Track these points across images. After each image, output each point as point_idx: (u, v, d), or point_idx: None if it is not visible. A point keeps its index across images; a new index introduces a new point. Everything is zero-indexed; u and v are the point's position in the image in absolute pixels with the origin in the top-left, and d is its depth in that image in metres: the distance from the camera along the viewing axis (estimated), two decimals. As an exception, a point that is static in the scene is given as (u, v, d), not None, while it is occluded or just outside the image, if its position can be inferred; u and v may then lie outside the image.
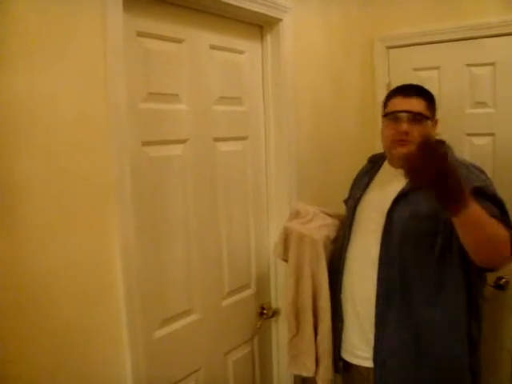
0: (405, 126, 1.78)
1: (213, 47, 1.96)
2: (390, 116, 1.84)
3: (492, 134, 2.63)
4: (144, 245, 1.68)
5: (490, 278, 2.59)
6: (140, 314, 1.60)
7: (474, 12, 2.59)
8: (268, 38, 2.20)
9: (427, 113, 1.81)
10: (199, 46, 1.90)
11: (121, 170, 1.50)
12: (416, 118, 1.79)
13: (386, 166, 1.98)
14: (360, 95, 2.88)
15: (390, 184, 1.86)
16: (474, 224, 1.42)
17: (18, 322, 1.27)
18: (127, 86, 1.53)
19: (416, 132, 1.79)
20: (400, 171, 1.77)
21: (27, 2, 1.26)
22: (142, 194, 1.67)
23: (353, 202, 1.98)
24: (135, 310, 1.56)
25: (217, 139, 2.00)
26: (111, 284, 1.50)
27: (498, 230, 1.49)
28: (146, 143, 1.70)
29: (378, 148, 2.88)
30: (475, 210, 1.38)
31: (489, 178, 1.80)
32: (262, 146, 2.26)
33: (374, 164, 2.06)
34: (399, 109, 1.81)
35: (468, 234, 1.47)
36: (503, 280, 2.60)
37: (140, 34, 1.67)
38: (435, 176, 1.31)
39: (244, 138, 2.16)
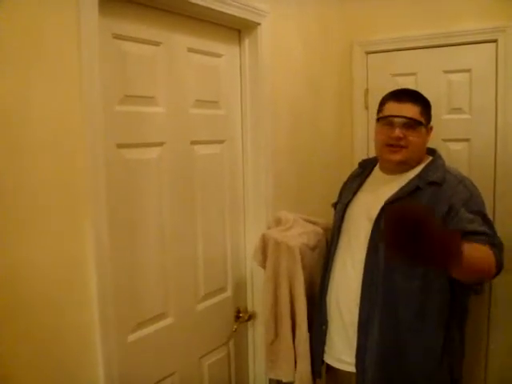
0: (398, 132, 1.77)
1: (190, 50, 1.95)
2: (383, 120, 1.84)
3: (467, 140, 2.67)
4: (118, 248, 1.66)
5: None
6: (113, 318, 1.58)
7: (451, 19, 2.62)
8: (246, 41, 2.20)
9: (421, 119, 1.81)
10: (177, 49, 1.89)
11: (95, 171, 1.48)
12: (409, 123, 1.78)
13: (376, 171, 1.98)
14: (338, 100, 2.89)
15: (379, 189, 1.86)
16: (466, 268, 1.30)
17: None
18: (103, 89, 1.51)
19: (410, 137, 1.79)
20: (390, 177, 1.79)
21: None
22: (116, 196, 1.66)
23: (341, 206, 1.98)
24: (108, 313, 1.55)
25: (194, 142, 1.99)
26: (84, 287, 1.48)
27: (485, 258, 1.57)
28: (121, 145, 1.69)
29: (356, 153, 2.93)
30: (465, 258, 1.21)
31: (476, 189, 1.82)
32: (239, 150, 2.26)
33: (365, 169, 2.05)
34: (393, 113, 1.80)
35: (460, 274, 1.47)
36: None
37: (116, 37, 1.66)
38: (413, 253, 1.07)
39: (221, 142, 2.15)
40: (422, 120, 1.81)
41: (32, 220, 1.33)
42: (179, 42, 1.90)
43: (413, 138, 1.80)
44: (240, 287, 2.30)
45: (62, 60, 1.38)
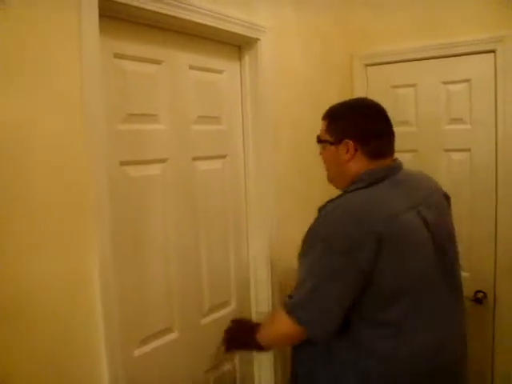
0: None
1: (192, 67, 1.98)
2: None
3: (468, 150, 2.68)
4: (123, 263, 1.68)
5: (469, 291, 2.63)
6: (119, 333, 1.59)
7: (449, 31, 2.64)
8: (246, 57, 2.23)
9: (325, 136, 1.65)
10: (178, 67, 1.92)
11: (99, 189, 1.50)
12: (318, 142, 1.69)
13: None
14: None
15: None
16: (268, 346, 1.82)
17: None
18: (105, 108, 1.54)
19: (321, 156, 1.70)
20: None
21: (1, 25, 1.27)
22: (120, 213, 1.68)
23: None
24: (114, 328, 1.56)
25: (196, 158, 2.01)
26: (89, 303, 1.49)
27: (275, 330, 1.63)
28: (124, 163, 1.71)
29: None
30: (262, 342, 1.73)
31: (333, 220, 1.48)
32: (240, 165, 2.28)
33: None
34: None
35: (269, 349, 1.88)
36: (481, 294, 2.63)
37: (117, 56, 1.69)
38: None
39: (223, 157, 2.17)
40: (327, 137, 1.63)
41: (37, 238, 1.35)
42: (180, 59, 1.93)
43: (322, 156, 1.69)
44: (244, 300, 2.31)
45: (64, 80, 1.41)
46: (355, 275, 1.39)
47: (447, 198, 1.77)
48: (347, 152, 1.58)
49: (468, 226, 2.68)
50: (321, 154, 1.71)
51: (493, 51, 2.56)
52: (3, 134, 1.27)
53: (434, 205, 1.62)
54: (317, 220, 1.51)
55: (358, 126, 1.59)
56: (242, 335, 1.96)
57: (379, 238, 1.36)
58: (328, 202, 1.56)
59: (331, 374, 1.53)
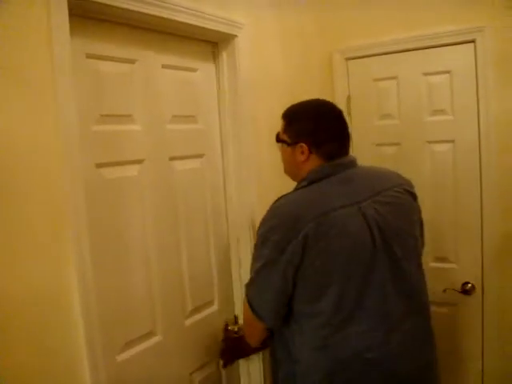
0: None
1: (165, 66, 1.95)
2: None
3: (452, 141, 2.66)
4: (102, 267, 1.65)
5: (457, 283, 2.62)
6: (100, 339, 1.56)
7: (428, 22, 2.63)
8: (223, 54, 2.19)
9: (283, 136, 1.74)
10: (151, 66, 1.89)
11: (74, 192, 1.46)
12: (276, 141, 1.79)
13: None
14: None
15: None
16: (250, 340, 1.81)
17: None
18: (78, 110, 1.50)
19: (281, 154, 1.80)
20: None
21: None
22: (98, 216, 1.65)
23: None
24: (95, 334, 1.52)
25: (173, 158, 1.99)
26: (69, 309, 1.46)
27: (246, 319, 1.72)
28: (100, 165, 1.68)
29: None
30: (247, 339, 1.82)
31: (273, 214, 1.61)
32: (219, 163, 2.26)
33: None
34: None
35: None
36: (469, 285, 2.62)
37: (90, 56, 1.65)
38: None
39: (200, 156, 2.15)
40: (284, 137, 1.72)
41: (11, 241, 1.31)
42: (153, 58, 1.90)
43: (281, 153, 1.79)
44: (227, 300, 2.29)
45: (35, 84, 1.37)
46: (286, 267, 1.51)
47: (412, 194, 1.76)
48: (302, 153, 1.66)
49: (453, 218, 2.67)
50: (280, 150, 1.79)
51: (473, 41, 2.55)
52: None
53: (387, 202, 1.64)
54: (266, 213, 1.62)
55: (312, 130, 1.66)
56: (237, 349, 2.11)
57: (305, 234, 1.47)
58: (280, 197, 1.66)
59: (290, 362, 1.66)
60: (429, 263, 2.73)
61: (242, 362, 2.31)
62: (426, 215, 2.58)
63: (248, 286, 1.64)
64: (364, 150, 2.85)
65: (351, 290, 1.52)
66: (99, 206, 1.66)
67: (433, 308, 2.66)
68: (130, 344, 1.79)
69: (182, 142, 2.04)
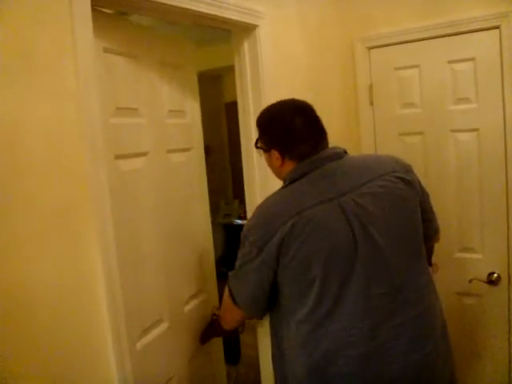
0: None
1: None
2: None
3: (476, 130, 2.62)
4: (123, 258, 1.65)
5: (483, 274, 2.59)
6: (123, 327, 1.57)
7: (451, 9, 2.59)
8: (245, 44, 2.19)
9: (260, 142, 1.76)
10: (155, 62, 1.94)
11: (98, 184, 1.47)
12: (255, 148, 1.80)
13: None
14: (343, 98, 2.87)
15: None
16: (227, 323, 1.87)
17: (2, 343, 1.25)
18: (99, 102, 1.50)
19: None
20: None
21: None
22: (118, 207, 1.65)
23: None
24: (120, 323, 1.54)
25: (170, 151, 2.04)
26: (94, 300, 1.47)
27: (224, 305, 1.78)
28: (118, 157, 1.71)
29: (364, 149, 2.90)
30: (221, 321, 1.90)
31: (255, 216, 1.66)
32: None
33: None
34: None
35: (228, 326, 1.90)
36: (495, 275, 2.59)
37: (106, 50, 1.66)
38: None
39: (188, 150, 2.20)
40: (260, 144, 1.75)
41: (36, 236, 1.32)
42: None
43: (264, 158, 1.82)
44: (211, 287, 2.37)
45: (57, 76, 1.37)
46: (263, 266, 1.55)
47: (405, 180, 1.68)
48: (276, 159, 1.69)
49: (479, 208, 2.64)
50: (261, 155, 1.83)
51: (497, 27, 2.50)
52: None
53: (372, 192, 1.60)
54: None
55: (280, 137, 1.69)
56: (213, 327, 2.20)
57: (282, 234, 1.50)
58: (267, 198, 1.70)
59: (281, 359, 1.71)
60: (454, 254, 2.72)
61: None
62: (450, 205, 2.55)
63: (230, 276, 1.69)
64: (387, 139, 2.83)
65: (331, 286, 1.52)
66: (118, 198, 1.67)
67: (459, 298, 2.70)
68: (145, 332, 1.83)
69: (176, 136, 2.10)
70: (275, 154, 1.68)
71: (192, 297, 2.17)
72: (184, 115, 2.16)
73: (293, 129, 1.66)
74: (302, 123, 1.67)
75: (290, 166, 1.66)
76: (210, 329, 2.21)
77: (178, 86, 2.11)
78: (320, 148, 1.67)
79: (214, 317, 2.20)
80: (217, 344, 2.40)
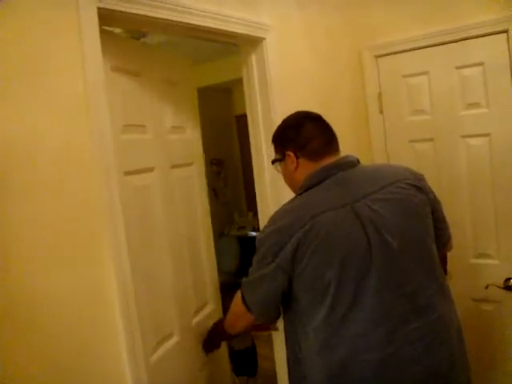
0: None
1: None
2: None
3: (488, 135, 2.60)
4: (136, 271, 1.67)
5: (499, 279, 2.56)
6: (139, 340, 1.59)
7: (458, 14, 2.59)
8: (252, 57, 2.21)
9: (276, 156, 1.80)
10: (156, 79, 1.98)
11: (111, 199, 1.49)
12: (272, 164, 1.84)
13: None
14: (352, 107, 2.87)
15: None
16: (229, 328, 1.89)
17: (18, 351, 1.26)
18: (109, 119, 1.53)
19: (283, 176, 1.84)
20: None
21: (4, 38, 1.27)
22: (130, 222, 1.67)
23: None
24: (135, 336, 1.56)
25: (174, 166, 2.07)
26: (109, 315, 1.48)
27: (233, 313, 1.81)
28: (128, 173, 1.73)
29: (375, 158, 2.90)
30: (225, 326, 1.91)
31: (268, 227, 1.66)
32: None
33: None
34: None
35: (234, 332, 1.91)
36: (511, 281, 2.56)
37: (113, 69, 1.69)
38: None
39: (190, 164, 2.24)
40: (276, 157, 1.79)
41: (51, 250, 1.35)
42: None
43: (281, 173, 1.83)
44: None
45: (68, 92, 1.41)
46: (278, 270, 1.56)
47: (417, 187, 1.70)
48: (292, 162, 1.71)
49: (493, 213, 2.61)
50: (278, 172, 1.85)
51: (505, 31, 2.49)
52: (12, 147, 1.27)
53: (385, 198, 1.62)
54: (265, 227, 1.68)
55: (293, 135, 1.73)
56: (216, 333, 2.18)
57: (297, 240, 1.51)
58: (282, 205, 1.72)
59: (297, 364, 1.70)
60: (469, 260, 2.69)
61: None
62: (463, 211, 2.53)
63: (244, 282, 1.69)
64: (397, 147, 2.82)
65: (346, 291, 1.52)
66: (129, 213, 1.68)
67: (476, 305, 2.67)
68: (158, 344, 1.84)
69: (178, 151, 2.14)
70: (289, 155, 1.71)
71: (199, 309, 2.18)
72: (185, 130, 2.20)
73: (304, 127, 1.72)
74: (313, 124, 1.74)
75: (303, 167, 1.69)
76: (214, 334, 2.19)
77: (179, 102, 2.15)
78: (332, 148, 1.72)
79: (213, 325, 2.22)
80: (223, 354, 2.42)
